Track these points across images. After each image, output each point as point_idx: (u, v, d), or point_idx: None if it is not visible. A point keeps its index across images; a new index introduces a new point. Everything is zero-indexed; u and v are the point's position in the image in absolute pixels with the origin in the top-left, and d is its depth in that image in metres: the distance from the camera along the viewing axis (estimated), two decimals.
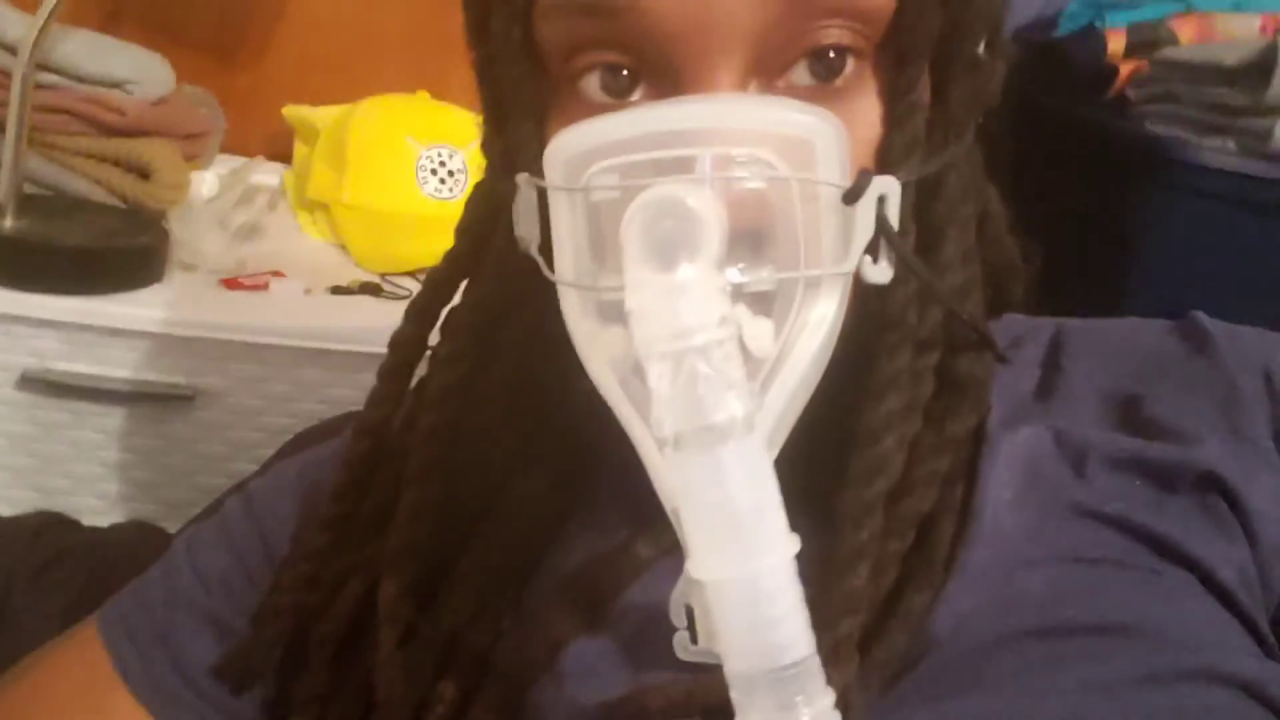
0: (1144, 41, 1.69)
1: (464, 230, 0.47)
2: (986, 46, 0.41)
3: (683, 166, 0.34)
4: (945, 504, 0.40)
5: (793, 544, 0.32)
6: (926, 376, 0.40)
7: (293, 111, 1.27)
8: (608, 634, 0.41)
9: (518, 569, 0.45)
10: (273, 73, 1.40)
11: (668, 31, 0.36)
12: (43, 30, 0.91)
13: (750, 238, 0.35)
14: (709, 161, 0.34)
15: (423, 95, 1.27)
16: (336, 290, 1.05)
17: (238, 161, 1.31)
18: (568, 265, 0.37)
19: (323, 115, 1.23)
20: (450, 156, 1.18)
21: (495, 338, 0.45)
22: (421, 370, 0.48)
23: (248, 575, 0.50)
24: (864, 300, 0.39)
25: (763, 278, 0.35)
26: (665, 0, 0.35)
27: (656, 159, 0.34)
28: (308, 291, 1.04)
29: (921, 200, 0.39)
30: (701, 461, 0.31)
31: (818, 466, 0.38)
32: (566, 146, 0.36)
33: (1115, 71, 1.77)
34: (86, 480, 0.96)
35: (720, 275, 0.32)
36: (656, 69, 0.37)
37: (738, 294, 0.34)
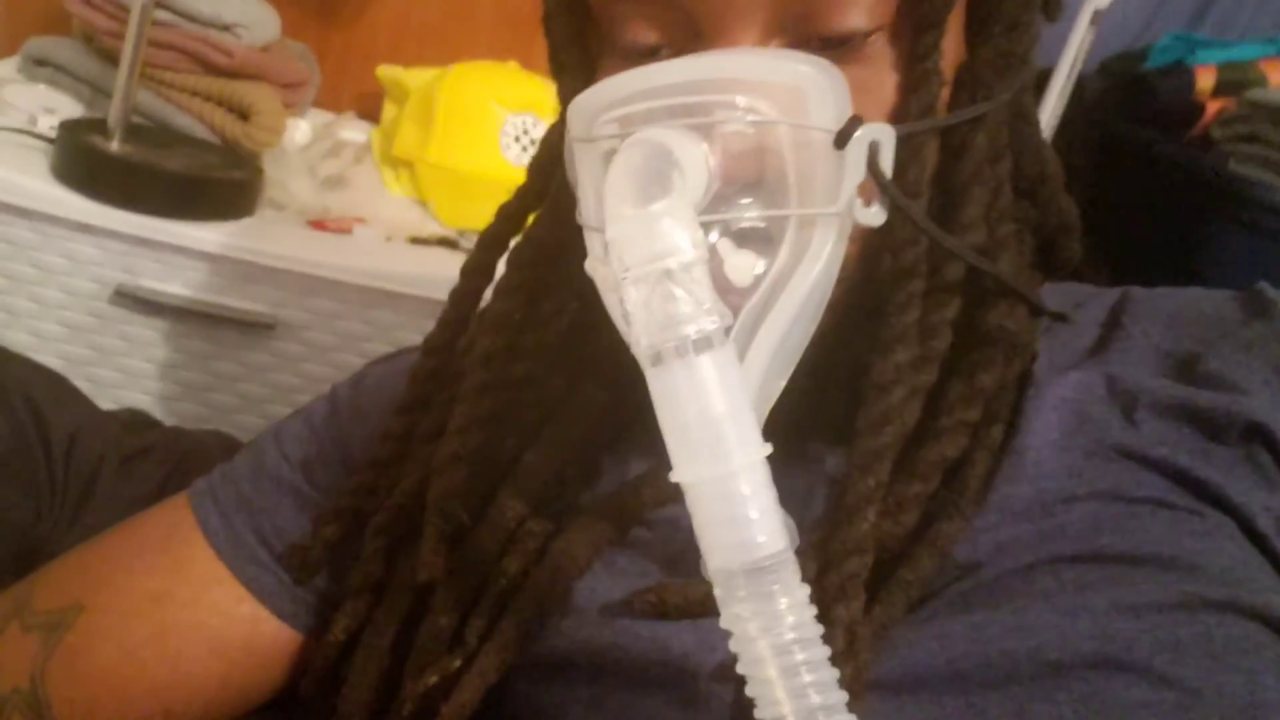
0: (1233, 81, 1.68)
1: (534, 167, 0.50)
2: (1042, 9, 0.43)
3: (676, 114, 0.37)
4: (979, 443, 0.42)
5: (763, 448, 0.34)
6: (943, 330, 0.41)
7: (386, 72, 1.32)
8: (647, 545, 0.44)
9: (579, 469, 0.47)
10: (368, 34, 1.45)
11: None
12: None
13: (747, 180, 0.37)
14: (701, 109, 0.37)
15: (512, 64, 1.31)
16: (415, 241, 1.09)
17: (329, 116, 1.36)
18: (589, 209, 0.40)
19: (414, 77, 1.28)
20: (534, 125, 1.22)
21: (553, 269, 0.48)
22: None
23: (325, 465, 0.54)
24: (876, 256, 0.41)
25: (750, 215, 0.37)
26: None
27: (651, 108, 0.37)
28: (388, 239, 1.09)
29: (946, 159, 0.41)
30: (674, 373, 0.34)
31: (839, 418, 0.41)
32: (584, 101, 0.40)
33: (1201, 109, 1.76)
34: (165, 398, 1.01)
35: (690, 208, 0.35)
36: (685, 32, 0.40)
37: (725, 230, 0.37)
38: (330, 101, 1.43)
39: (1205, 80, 1.75)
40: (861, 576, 0.38)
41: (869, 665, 0.38)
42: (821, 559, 0.39)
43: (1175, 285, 0.49)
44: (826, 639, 0.33)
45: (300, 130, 1.21)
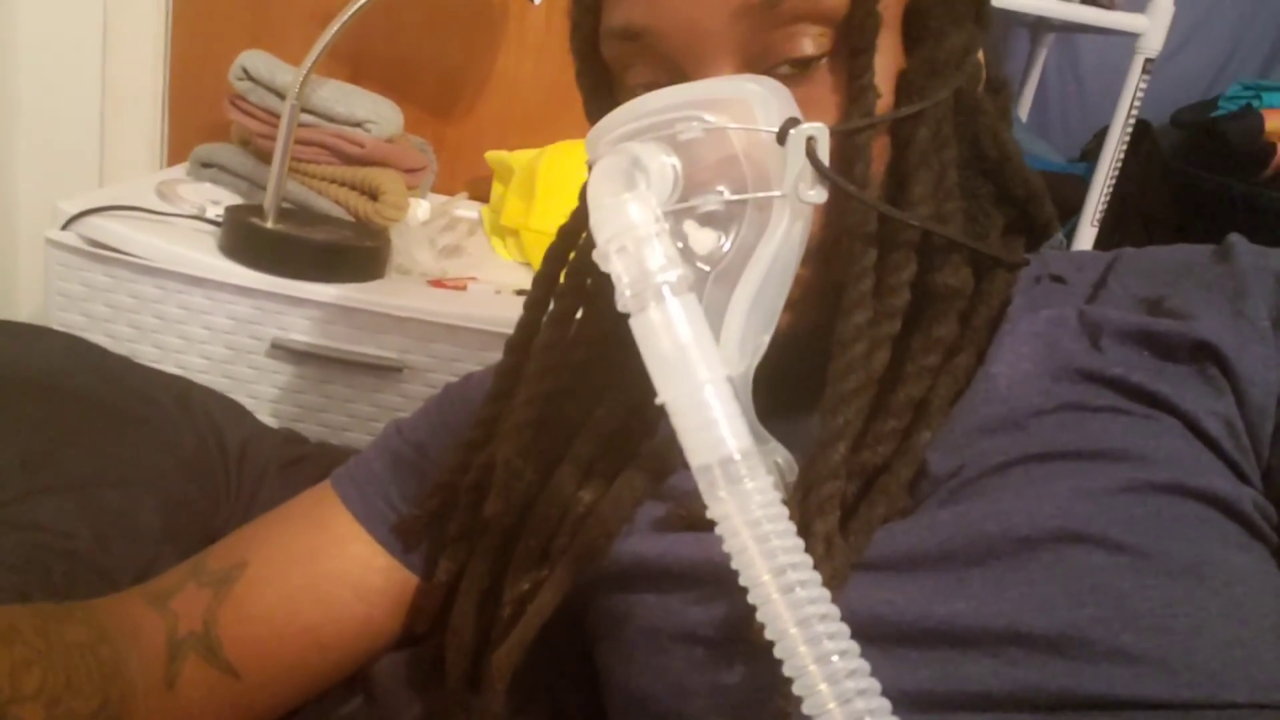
0: None
1: (583, 193, 0.56)
2: (975, 19, 0.49)
3: (648, 131, 0.44)
4: (946, 370, 0.47)
5: (724, 369, 0.39)
6: (900, 290, 0.46)
7: (493, 155, 1.48)
8: (671, 499, 0.51)
9: (631, 433, 0.54)
10: (477, 127, 1.63)
11: (676, 46, 0.47)
12: (304, 79, 1.11)
13: (714, 178, 0.44)
14: (666, 126, 0.44)
15: None
16: (521, 293, 1.21)
17: (446, 198, 1.53)
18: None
19: (517, 158, 1.43)
20: None
21: (599, 275, 0.52)
22: None
23: (437, 444, 0.63)
24: (836, 240, 0.46)
25: (710, 201, 0.44)
26: (670, 25, 0.46)
27: (630, 129, 0.45)
28: (497, 292, 1.21)
29: (896, 151, 0.47)
30: (648, 315, 0.40)
31: (820, 384, 0.46)
32: (591, 134, 0.48)
33: (1272, 150, 1.79)
34: (313, 438, 1.13)
35: (650, 198, 0.41)
36: (675, 72, 0.47)
37: (690, 213, 0.44)
38: (447, 186, 1.60)
39: (1274, 123, 1.79)
40: (835, 498, 0.43)
41: (845, 568, 0.43)
42: (804, 486, 0.44)
43: None
44: (808, 548, 0.38)
45: (421, 208, 1.35)
